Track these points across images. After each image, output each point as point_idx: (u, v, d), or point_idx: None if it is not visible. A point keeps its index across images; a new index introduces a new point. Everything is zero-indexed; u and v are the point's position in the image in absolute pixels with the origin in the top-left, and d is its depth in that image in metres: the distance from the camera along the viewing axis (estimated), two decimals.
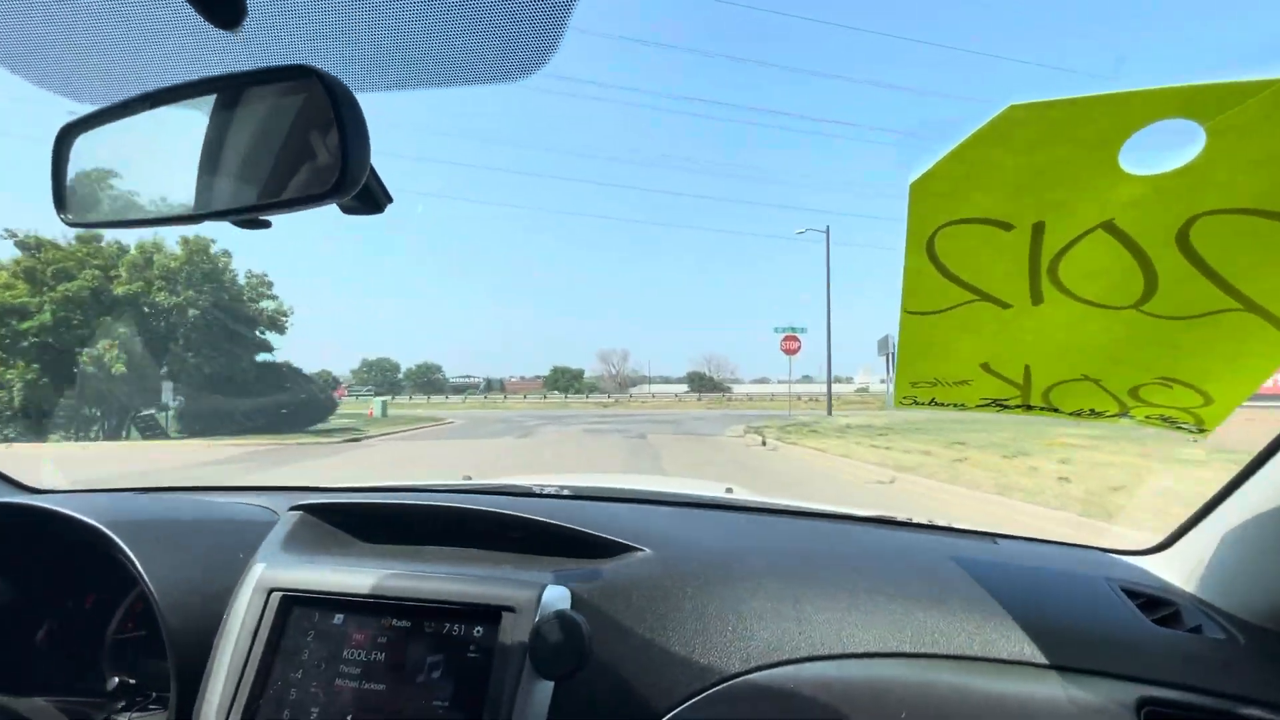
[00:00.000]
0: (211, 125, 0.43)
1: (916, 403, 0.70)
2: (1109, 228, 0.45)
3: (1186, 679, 0.59)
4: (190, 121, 0.43)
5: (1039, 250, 0.48)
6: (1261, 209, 0.40)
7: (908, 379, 0.66)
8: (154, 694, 0.90)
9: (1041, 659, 0.63)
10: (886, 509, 1.10)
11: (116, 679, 0.92)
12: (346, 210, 0.54)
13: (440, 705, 0.66)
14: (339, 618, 0.73)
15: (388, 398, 31.16)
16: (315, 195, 0.38)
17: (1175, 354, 0.52)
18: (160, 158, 0.46)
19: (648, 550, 0.77)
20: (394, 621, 0.71)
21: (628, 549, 0.78)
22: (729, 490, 1.33)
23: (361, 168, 0.38)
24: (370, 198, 0.54)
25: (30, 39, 0.50)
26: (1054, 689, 0.61)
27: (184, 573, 0.77)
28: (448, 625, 0.70)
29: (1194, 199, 0.41)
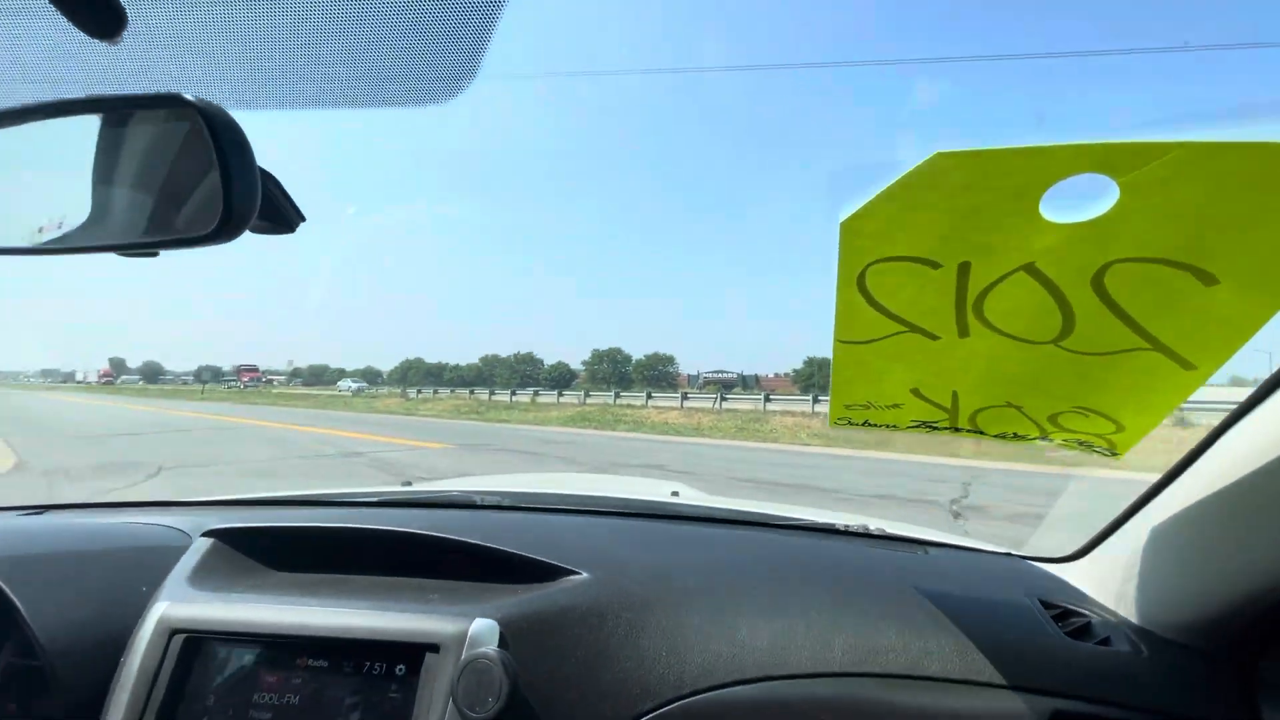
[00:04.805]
0: (95, 149, 0.39)
1: (850, 423, 0.71)
2: (1030, 270, 0.46)
3: (1095, 693, 0.63)
4: (71, 144, 0.39)
5: (965, 288, 0.49)
6: (1168, 259, 0.41)
7: (842, 401, 0.67)
8: None
9: (963, 675, 0.65)
10: None
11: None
12: (254, 230, 0.50)
13: None
14: (249, 657, 0.69)
15: None
16: (198, 237, 0.34)
17: (1091, 386, 0.54)
18: (38, 183, 0.42)
19: (584, 574, 0.76)
20: (310, 661, 0.68)
21: (565, 573, 0.76)
22: (675, 494, 1.33)
23: (248, 207, 0.34)
24: (280, 217, 0.50)
25: None
26: (975, 703, 0.64)
27: (75, 613, 0.71)
28: (368, 664, 0.67)
29: (1108, 247, 0.42)
